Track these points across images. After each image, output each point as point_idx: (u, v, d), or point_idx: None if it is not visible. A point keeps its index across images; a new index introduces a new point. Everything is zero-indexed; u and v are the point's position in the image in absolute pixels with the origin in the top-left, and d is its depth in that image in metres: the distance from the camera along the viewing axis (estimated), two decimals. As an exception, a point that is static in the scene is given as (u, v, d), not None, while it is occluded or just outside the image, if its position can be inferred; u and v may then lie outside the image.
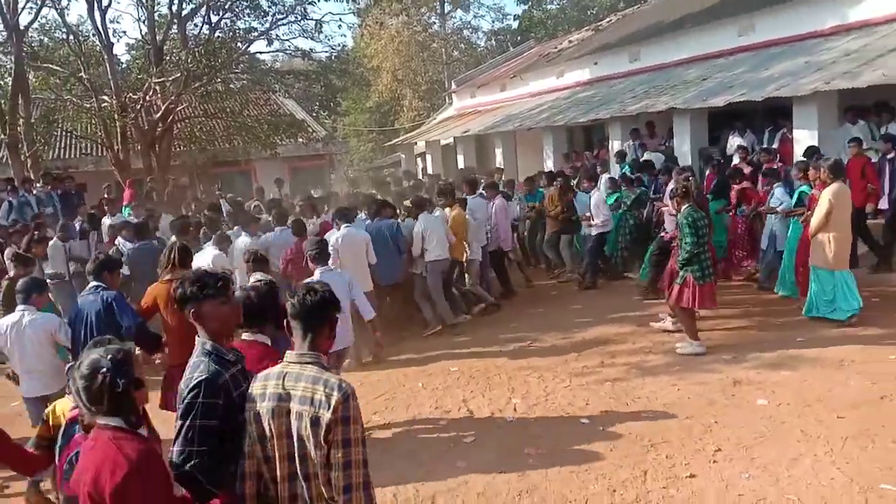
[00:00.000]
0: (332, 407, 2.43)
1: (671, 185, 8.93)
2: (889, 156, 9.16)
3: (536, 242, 11.61)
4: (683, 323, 7.11)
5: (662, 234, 9.04)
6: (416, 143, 25.65)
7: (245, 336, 3.27)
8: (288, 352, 2.64)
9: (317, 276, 5.74)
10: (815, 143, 9.72)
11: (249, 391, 2.65)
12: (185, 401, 2.66)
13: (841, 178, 7.34)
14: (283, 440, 2.52)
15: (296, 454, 2.50)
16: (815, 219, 7.21)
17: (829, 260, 7.25)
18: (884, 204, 8.99)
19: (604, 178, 11.10)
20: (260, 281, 4.79)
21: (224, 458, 2.66)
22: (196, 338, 2.85)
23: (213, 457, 2.64)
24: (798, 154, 10.24)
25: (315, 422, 2.44)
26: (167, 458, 2.63)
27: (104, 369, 2.40)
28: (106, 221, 10.46)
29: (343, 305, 4.04)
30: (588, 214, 9.98)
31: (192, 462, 2.61)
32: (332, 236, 7.50)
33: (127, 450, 2.35)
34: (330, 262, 6.34)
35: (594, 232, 9.98)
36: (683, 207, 6.98)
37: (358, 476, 2.46)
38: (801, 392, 5.74)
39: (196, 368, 2.73)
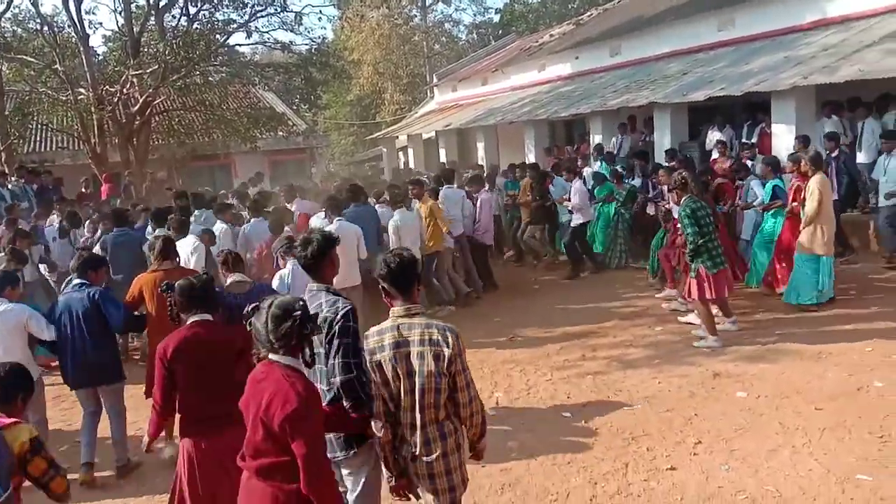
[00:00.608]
0: (450, 344, 3.03)
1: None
2: (833, 154, 9.54)
3: (514, 233, 11.78)
4: (702, 317, 7.01)
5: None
6: (397, 137, 25.58)
7: (194, 318, 3.80)
8: (393, 308, 3.14)
9: (289, 268, 5.55)
10: (793, 138, 9.80)
11: (366, 345, 3.13)
12: (339, 324, 3.17)
13: (821, 169, 7.55)
14: (408, 378, 3.05)
15: (416, 389, 3.04)
16: (810, 208, 7.33)
17: (821, 246, 7.40)
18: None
19: (587, 171, 11.27)
20: (240, 282, 4.91)
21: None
22: (308, 284, 3.40)
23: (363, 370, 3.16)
24: (777, 148, 10.34)
25: (438, 356, 3.02)
26: None
27: (297, 313, 2.76)
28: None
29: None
30: (566, 196, 10.29)
31: (354, 373, 3.13)
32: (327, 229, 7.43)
33: (298, 387, 2.71)
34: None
35: (574, 222, 10.10)
36: (682, 199, 6.97)
37: (473, 390, 3.15)
38: (779, 384, 5.80)
39: (334, 302, 3.26)
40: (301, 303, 2.84)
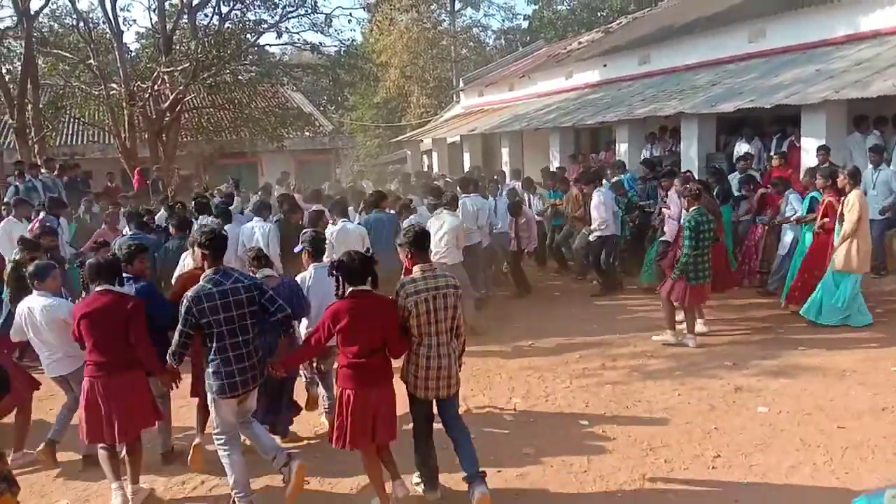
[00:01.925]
0: (458, 287, 4.38)
1: (673, 189, 9.02)
2: (879, 167, 9.26)
3: (551, 243, 11.54)
4: (665, 310, 7.49)
5: (662, 237, 9.10)
6: (422, 141, 25.64)
7: (99, 288, 4.55)
8: (416, 266, 4.36)
9: (310, 271, 5.63)
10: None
11: (407, 289, 4.24)
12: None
13: (859, 184, 7.44)
14: (436, 312, 4.26)
15: (444, 319, 4.29)
16: (849, 224, 7.23)
17: (856, 263, 7.30)
18: None
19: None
20: (268, 276, 5.20)
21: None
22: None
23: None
24: (805, 162, 10.21)
25: (455, 295, 4.33)
26: None
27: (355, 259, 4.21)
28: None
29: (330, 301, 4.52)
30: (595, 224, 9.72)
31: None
32: (328, 230, 7.52)
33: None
34: (325, 256, 6.23)
35: (595, 236, 9.70)
36: (692, 209, 7.14)
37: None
38: (801, 401, 5.73)
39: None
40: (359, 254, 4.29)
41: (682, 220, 7.62)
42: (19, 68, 15.44)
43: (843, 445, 4.89)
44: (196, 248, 4.58)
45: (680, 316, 7.61)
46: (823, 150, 9.39)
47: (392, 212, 8.93)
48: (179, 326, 4.23)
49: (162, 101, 16.87)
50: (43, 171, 12.76)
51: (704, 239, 7.07)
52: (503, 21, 44.11)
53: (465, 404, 6.17)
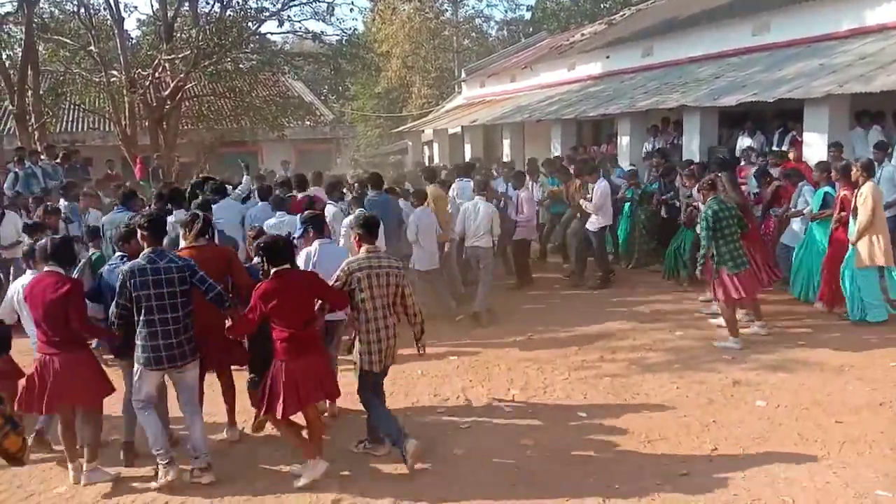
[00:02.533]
0: (400, 269, 4.95)
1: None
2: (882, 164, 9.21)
3: (548, 233, 11.49)
4: (725, 318, 7.09)
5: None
6: (423, 131, 25.59)
7: (47, 268, 4.73)
8: (363, 247, 4.90)
9: (315, 247, 5.74)
10: (826, 146, 9.64)
11: (351, 266, 4.81)
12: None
13: (873, 176, 7.36)
14: (381, 288, 4.84)
15: (384, 296, 4.86)
16: (864, 217, 7.12)
17: (881, 256, 7.20)
18: None
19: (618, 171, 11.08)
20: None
21: None
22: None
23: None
24: (808, 156, 10.18)
25: (397, 276, 4.90)
26: None
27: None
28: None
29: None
30: (588, 196, 9.69)
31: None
32: (346, 218, 7.58)
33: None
34: (342, 243, 6.82)
35: (596, 227, 9.68)
36: (708, 199, 7.04)
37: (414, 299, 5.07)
38: (799, 395, 5.74)
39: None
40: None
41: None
42: (20, 54, 15.37)
43: (841, 440, 4.89)
44: (138, 230, 4.81)
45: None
46: (835, 148, 9.30)
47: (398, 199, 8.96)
48: (116, 298, 4.60)
49: (163, 88, 16.80)
50: (43, 157, 12.73)
51: (728, 227, 6.89)
52: (506, 12, 43.92)
53: (464, 395, 6.19)
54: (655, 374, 6.41)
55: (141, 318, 4.56)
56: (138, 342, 4.62)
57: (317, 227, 5.85)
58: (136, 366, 4.71)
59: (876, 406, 5.43)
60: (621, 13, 23.68)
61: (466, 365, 6.95)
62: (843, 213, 7.54)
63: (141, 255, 4.65)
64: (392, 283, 4.86)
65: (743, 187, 9.41)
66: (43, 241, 4.92)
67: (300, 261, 5.63)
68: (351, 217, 7.41)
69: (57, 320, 4.61)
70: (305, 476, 4.64)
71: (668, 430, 5.24)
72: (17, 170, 11.88)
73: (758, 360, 6.61)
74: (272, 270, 4.55)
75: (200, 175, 13.37)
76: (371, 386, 5.02)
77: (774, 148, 11.26)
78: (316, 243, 5.78)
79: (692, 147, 12.24)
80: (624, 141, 13.89)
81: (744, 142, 11.78)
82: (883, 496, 4.17)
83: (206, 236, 5.35)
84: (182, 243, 5.43)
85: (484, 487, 4.55)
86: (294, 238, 5.91)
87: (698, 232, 7.28)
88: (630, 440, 5.11)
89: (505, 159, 17.66)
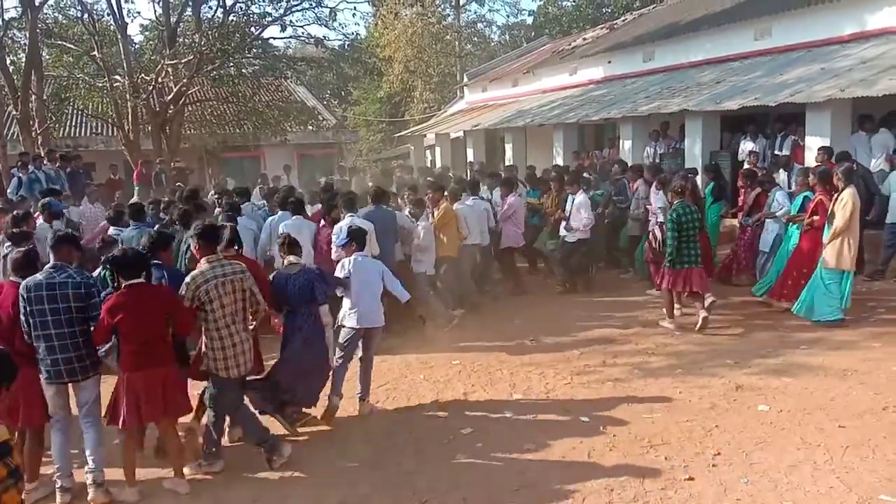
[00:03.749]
0: (245, 272, 4.97)
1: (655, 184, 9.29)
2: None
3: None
4: (664, 303, 8.07)
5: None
6: (425, 136, 25.63)
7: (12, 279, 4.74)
8: (206, 257, 4.88)
9: (353, 258, 5.96)
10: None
11: (197, 280, 4.76)
12: None
13: (853, 182, 7.43)
14: (229, 296, 4.85)
15: (234, 302, 4.88)
16: (841, 221, 7.26)
17: (847, 261, 7.33)
18: None
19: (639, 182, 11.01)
20: (293, 263, 5.58)
21: None
22: None
23: None
24: (810, 161, 10.19)
25: (242, 280, 4.90)
26: None
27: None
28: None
29: (375, 290, 5.90)
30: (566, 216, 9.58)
31: None
32: (337, 226, 7.54)
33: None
34: (334, 252, 6.87)
35: (575, 238, 9.48)
36: (676, 202, 7.78)
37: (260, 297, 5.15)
38: (802, 400, 5.72)
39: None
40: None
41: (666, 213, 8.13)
42: (24, 59, 15.42)
43: (844, 444, 4.88)
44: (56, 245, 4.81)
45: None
46: (823, 151, 9.36)
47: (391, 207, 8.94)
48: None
49: (165, 93, 16.87)
50: (46, 162, 12.78)
51: (688, 229, 7.66)
52: (508, 16, 44.28)
53: (466, 399, 6.19)
54: (658, 379, 6.41)
55: (37, 332, 4.54)
56: (38, 356, 4.59)
57: (359, 240, 6.05)
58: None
59: (879, 410, 5.42)
60: (623, 18, 23.74)
61: (468, 369, 6.94)
62: (815, 217, 7.64)
63: (42, 271, 4.66)
64: (238, 289, 4.87)
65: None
66: (14, 253, 4.96)
67: (338, 270, 6.02)
68: (340, 226, 7.38)
69: (13, 334, 4.61)
70: (168, 483, 4.73)
71: (670, 434, 5.23)
72: (20, 174, 11.93)
73: (760, 364, 6.60)
74: (123, 284, 4.55)
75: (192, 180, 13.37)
76: (231, 397, 4.93)
77: (776, 152, 11.29)
78: (355, 255, 5.99)
79: (694, 151, 12.26)
80: (626, 145, 13.92)
81: (746, 146, 11.79)
82: (886, 500, 4.16)
83: (235, 247, 5.53)
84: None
85: (486, 492, 4.55)
86: (337, 245, 6.25)
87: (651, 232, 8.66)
88: (633, 445, 5.10)
89: (507, 163, 17.67)
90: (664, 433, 5.25)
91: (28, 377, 4.53)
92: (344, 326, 5.88)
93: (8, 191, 12.03)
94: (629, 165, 11.18)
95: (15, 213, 8.09)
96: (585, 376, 6.60)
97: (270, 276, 5.66)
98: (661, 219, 8.71)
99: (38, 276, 4.59)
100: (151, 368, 4.56)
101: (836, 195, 7.43)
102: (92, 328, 4.61)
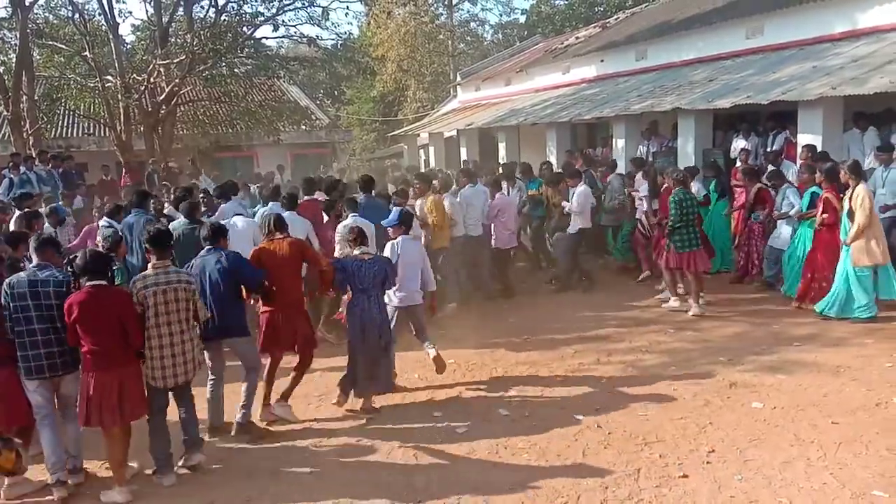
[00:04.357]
0: (191, 283, 4.96)
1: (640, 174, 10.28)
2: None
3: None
4: (666, 282, 8.73)
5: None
6: (419, 135, 25.59)
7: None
8: (153, 262, 4.88)
9: (399, 241, 6.40)
10: (819, 148, 9.68)
11: (138, 284, 4.77)
12: None
13: (863, 178, 7.47)
14: (171, 304, 4.79)
15: (176, 311, 4.81)
16: (862, 217, 7.24)
17: (879, 256, 7.34)
18: None
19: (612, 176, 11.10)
20: (365, 251, 6.02)
21: None
22: None
23: None
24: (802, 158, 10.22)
25: (187, 290, 4.87)
26: None
27: None
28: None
29: (417, 270, 6.43)
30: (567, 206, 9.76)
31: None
32: (340, 224, 7.58)
33: None
34: (338, 250, 7.32)
35: (576, 228, 9.65)
36: (674, 191, 8.35)
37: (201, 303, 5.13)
38: (795, 396, 5.75)
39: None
40: None
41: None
42: (14, 59, 15.33)
43: (837, 441, 4.90)
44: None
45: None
46: (806, 149, 9.39)
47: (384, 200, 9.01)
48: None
49: (158, 93, 16.78)
50: (37, 163, 12.71)
51: (688, 214, 8.19)
52: (501, 15, 44.30)
53: (461, 398, 6.19)
54: (652, 377, 6.42)
55: (20, 328, 4.62)
56: (18, 352, 4.65)
57: (407, 223, 6.62)
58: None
59: (872, 407, 5.45)
60: (615, 17, 23.76)
61: (463, 368, 6.95)
62: (825, 215, 7.65)
63: (26, 269, 4.83)
64: (182, 299, 4.81)
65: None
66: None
67: (386, 250, 6.40)
68: (342, 224, 7.43)
69: None
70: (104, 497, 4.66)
71: (664, 432, 5.24)
72: (12, 175, 11.87)
73: (754, 361, 6.62)
74: (85, 284, 4.54)
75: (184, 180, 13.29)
76: (157, 403, 4.86)
77: (769, 150, 11.33)
78: (400, 238, 6.46)
79: (687, 149, 12.27)
80: (619, 144, 13.92)
81: (738, 144, 11.82)
82: (879, 496, 4.18)
83: (285, 231, 6.00)
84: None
85: (481, 490, 4.55)
86: (386, 226, 6.71)
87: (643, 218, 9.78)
88: (627, 442, 5.11)
89: (502, 161, 17.67)
90: (658, 430, 5.27)
91: (6, 377, 4.68)
92: (388, 305, 6.26)
93: (0, 191, 11.97)
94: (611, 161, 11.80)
95: (26, 209, 8.13)
96: (579, 374, 6.61)
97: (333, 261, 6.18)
98: (645, 207, 9.85)
99: (21, 275, 4.70)
100: (111, 373, 4.55)
101: (847, 192, 7.43)
102: None
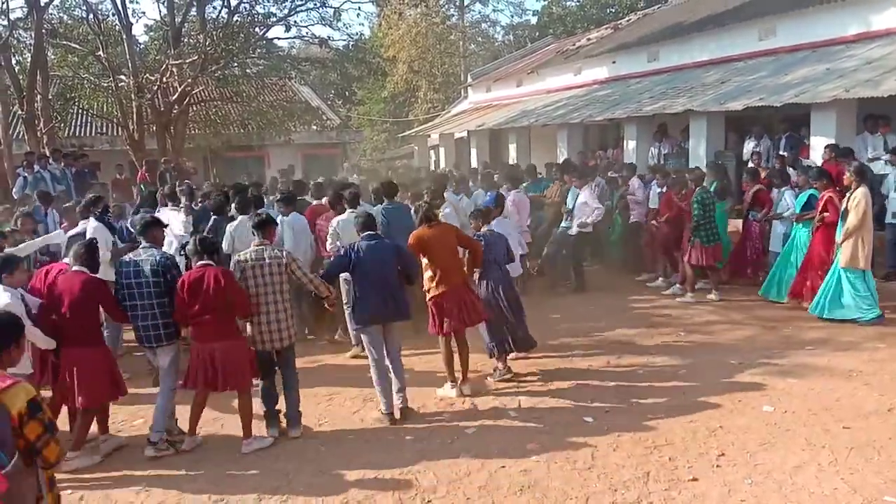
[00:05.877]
0: (287, 257, 5.50)
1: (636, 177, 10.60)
2: None
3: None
4: (686, 275, 9.07)
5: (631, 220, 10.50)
6: (429, 136, 25.65)
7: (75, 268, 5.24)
8: (253, 244, 5.54)
9: (495, 223, 7.12)
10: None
11: (241, 263, 5.42)
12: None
13: (866, 182, 7.46)
14: (267, 277, 5.39)
15: (271, 283, 5.41)
16: (854, 219, 7.29)
17: (864, 259, 7.36)
18: None
19: (599, 180, 11.02)
20: (491, 230, 6.77)
21: None
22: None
23: None
24: (815, 161, 10.16)
25: (280, 265, 5.43)
26: None
27: None
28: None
29: (514, 244, 7.31)
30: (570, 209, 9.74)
31: None
32: (334, 219, 7.58)
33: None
34: (329, 245, 7.50)
35: (575, 231, 9.61)
36: (696, 190, 8.84)
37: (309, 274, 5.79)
38: (807, 400, 5.71)
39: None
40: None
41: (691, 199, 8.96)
42: (29, 59, 15.47)
43: (849, 446, 4.87)
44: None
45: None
46: (829, 148, 9.34)
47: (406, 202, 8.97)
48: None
49: (170, 93, 16.88)
50: (51, 162, 12.82)
51: (709, 211, 8.69)
52: (512, 16, 44.22)
53: (470, 400, 6.18)
54: (661, 380, 6.40)
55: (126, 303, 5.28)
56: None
57: (500, 204, 7.85)
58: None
59: (884, 412, 5.41)
60: (627, 18, 23.71)
61: (472, 371, 6.93)
62: (825, 215, 7.64)
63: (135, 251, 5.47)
64: (276, 272, 5.39)
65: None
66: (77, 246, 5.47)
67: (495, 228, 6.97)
68: (338, 219, 7.49)
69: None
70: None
71: (674, 435, 5.22)
72: (26, 174, 11.96)
73: (765, 364, 6.59)
74: (196, 265, 5.24)
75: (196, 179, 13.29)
76: (264, 367, 5.48)
77: (781, 152, 11.27)
78: (495, 222, 7.15)
79: (699, 152, 12.25)
80: (630, 145, 13.90)
81: (750, 146, 11.77)
82: (891, 502, 4.15)
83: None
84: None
85: (489, 493, 4.55)
86: (485, 205, 7.75)
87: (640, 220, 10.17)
88: (636, 445, 5.10)
89: (513, 162, 17.65)
90: (668, 434, 5.25)
91: (90, 356, 5.11)
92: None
93: (14, 190, 12.08)
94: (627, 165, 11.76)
95: (90, 196, 8.19)
96: (589, 377, 6.59)
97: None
98: (645, 210, 10.29)
99: (130, 255, 5.38)
100: (222, 341, 5.17)
101: (849, 193, 7.44)
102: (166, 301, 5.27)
